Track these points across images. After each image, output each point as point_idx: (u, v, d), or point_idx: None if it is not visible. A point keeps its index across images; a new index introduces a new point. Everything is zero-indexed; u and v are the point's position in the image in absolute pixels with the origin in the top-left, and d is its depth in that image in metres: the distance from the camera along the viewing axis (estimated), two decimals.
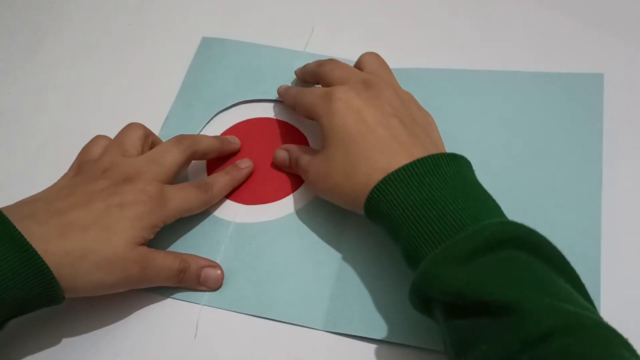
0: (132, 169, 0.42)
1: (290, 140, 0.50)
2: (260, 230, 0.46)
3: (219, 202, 0.47)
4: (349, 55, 0.54)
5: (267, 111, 0.52)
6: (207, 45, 0.57)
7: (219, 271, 0.44)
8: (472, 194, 0.37)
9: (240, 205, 0.48)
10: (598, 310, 0.39)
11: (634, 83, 0.50)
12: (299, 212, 0.47)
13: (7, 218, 0.36)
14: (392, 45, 0.55)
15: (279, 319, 0.42)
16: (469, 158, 0.46)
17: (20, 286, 0.36)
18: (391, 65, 0.53)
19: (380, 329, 0.41)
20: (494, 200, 0.38)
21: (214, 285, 0.43)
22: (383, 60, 0.48)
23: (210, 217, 0.47)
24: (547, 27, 0.55)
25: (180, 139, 0.45)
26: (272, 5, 0.59)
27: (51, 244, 0.37)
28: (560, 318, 0.30)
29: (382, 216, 0.38)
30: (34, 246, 0.36)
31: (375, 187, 0.38)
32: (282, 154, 0.48)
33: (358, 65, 0.48)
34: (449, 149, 0.47)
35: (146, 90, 0.55)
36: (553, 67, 0.51)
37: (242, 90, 0.53)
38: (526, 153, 0.47)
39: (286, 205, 0.47)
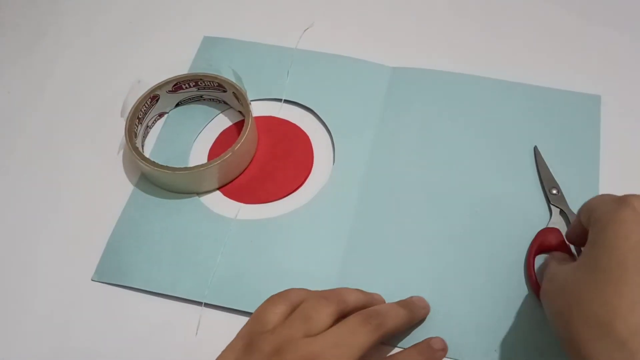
0: (311, 355, 0.35)
1: (291, 138, 0.50)
2: (261, 228, 0.46)
3: (220, 200, 0.47)
4: (349, 53, 0.54)
5: (268, 110, 0.52)
6: (209, 45, 0.57)
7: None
8: None
9: (241, 204, 0.48)
10: None
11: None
12: (300, 210, 0.47)
13: None
14: (392, 44, 0.55)
15: None
16: (460, 168, 0.47)
17: None
18: (390, 64, 0.53)
19: None
20: None
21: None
22: None
23: (211, 215, 0.47)
24: (550, 27, 0.55)
25: (367, 316, 0.38)
26: (273, 4, 0.59)
27: None
28: None
29: None
30: None
31: None
32: None
33: (588, 207, 0.38)
34: (442, 156, 0.47)
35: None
36: (552, 78, 0.51)
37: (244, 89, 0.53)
38: (519, 163, 0.47)
39: (287, 204, 0.47)
